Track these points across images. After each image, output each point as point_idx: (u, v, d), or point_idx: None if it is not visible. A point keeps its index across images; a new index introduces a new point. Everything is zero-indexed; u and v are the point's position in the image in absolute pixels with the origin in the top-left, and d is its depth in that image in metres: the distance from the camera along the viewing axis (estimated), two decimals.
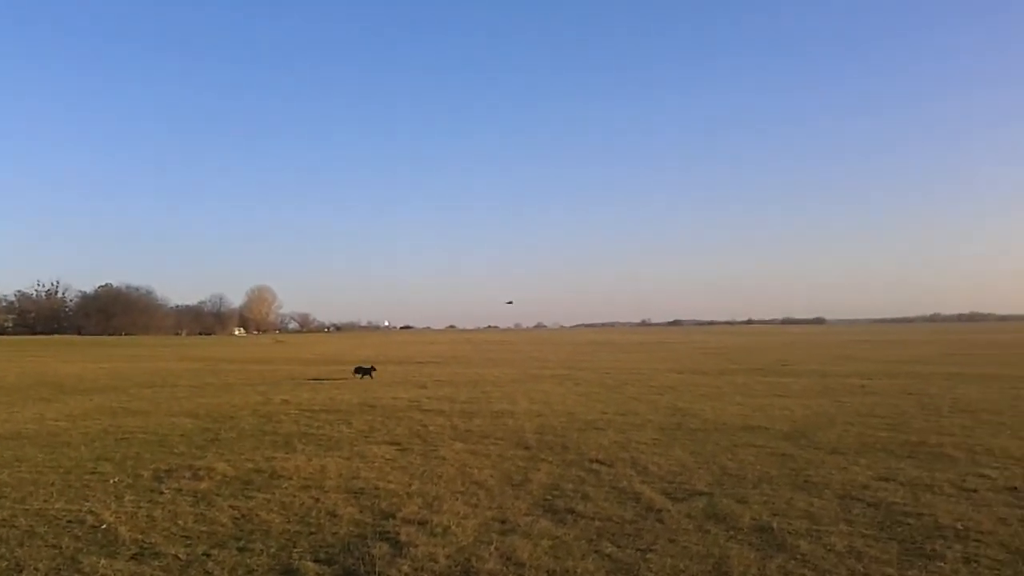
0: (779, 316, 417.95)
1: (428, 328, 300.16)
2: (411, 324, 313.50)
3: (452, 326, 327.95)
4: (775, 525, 8.76)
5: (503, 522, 9.07)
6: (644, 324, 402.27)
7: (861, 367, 39.07)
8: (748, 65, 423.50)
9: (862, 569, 7.26)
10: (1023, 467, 12.05)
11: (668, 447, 14.29)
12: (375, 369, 33.59)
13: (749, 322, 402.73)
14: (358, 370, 33.11)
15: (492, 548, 8.00)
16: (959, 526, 8.63)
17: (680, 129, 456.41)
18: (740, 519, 9.08)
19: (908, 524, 8.80)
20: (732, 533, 8.55)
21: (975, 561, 7.43)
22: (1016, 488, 10.51)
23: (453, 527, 8.81)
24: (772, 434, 15.80)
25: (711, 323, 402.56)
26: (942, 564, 7.36)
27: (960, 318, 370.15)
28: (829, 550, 7.86)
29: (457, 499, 10.24)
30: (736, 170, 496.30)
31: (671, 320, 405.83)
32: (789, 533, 8.47)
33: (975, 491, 10.39)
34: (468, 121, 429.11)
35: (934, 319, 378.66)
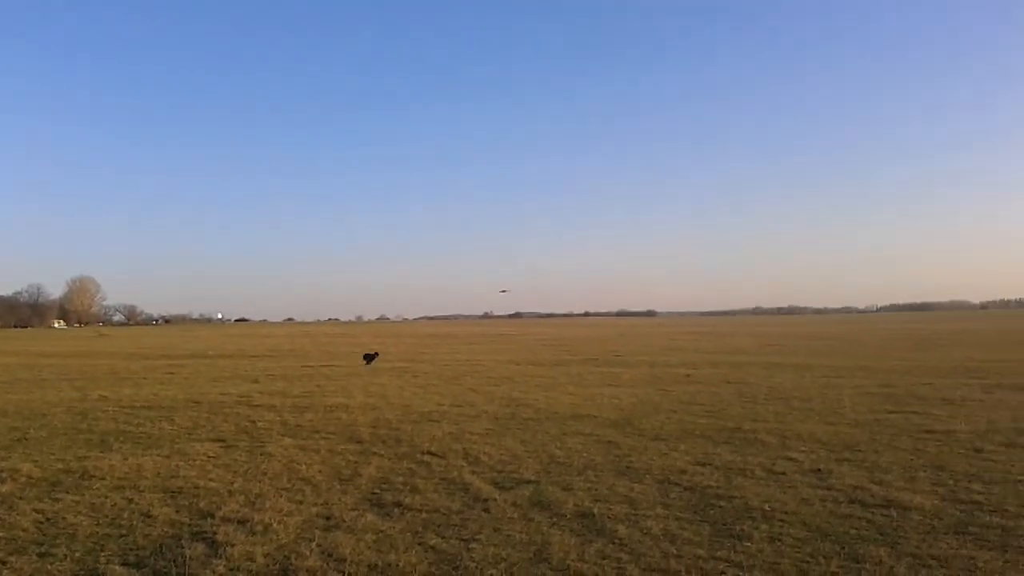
0: (614, 309, 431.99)
1: (265, 321, 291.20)
2: (247, 317, 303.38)
3: (291, 319, 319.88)
4: (596, 511, 8.99)
5: (328, 518, 8.88)
6: (487, 316, 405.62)
7: (687, 357, 40.83)
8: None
9: (675, 551, 7.54)
10: (828, 450, 12.87)
11: (500, 437, 14.42)
12: (378, 355, 37.72)
13: (586, 314, 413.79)
14: (367, 357, 37.18)
15: (314, 545, 7.81)
16: (767, 507, 9.11)
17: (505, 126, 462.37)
18: (564, 506, 9.26)
19: (720, 507, 9.22)
20: (555, 520, 8.71)
21: (779, 540, 7.86)
22: (820, 470, 11.21)
23: (275, 525, 8.54)
24: (600, 422, 16.24)
25: (550, 315, 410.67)
26: (749, 544, 7.74)
27: (780, 311, 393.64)
28: (645, 533, 8.13)
29: (281, 496, 9.95)
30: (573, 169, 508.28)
31: (512, 312, 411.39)
32: (609, 518, 8.70)
33: (783, 474, 11.02)
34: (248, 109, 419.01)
35: (756, 312, 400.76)
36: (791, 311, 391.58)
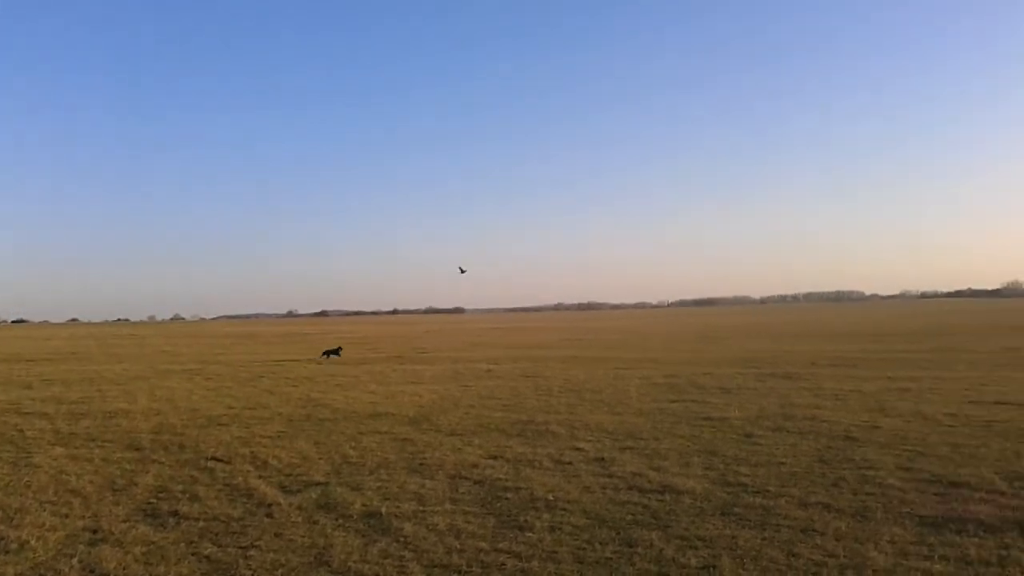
0: (423, 306, 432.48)
1: (46, 322, 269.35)
2: (25, 318, 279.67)
3: (75, 319, 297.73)
4: (384, 510, 8.89)
5: (95, 531, 8.28)
6: (290, 315, 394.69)
7: (490, 352, 41.46)
8: None
9: (458, 545, 7.58)
10: (613, 439, 13.39)
11: (293, 439, 14.02)
12: (341, 349, 38.84)
13: (395, 312, 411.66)
14: (326, 353, 37.90)
15: (75, 561, 7.25)
16: (550, 497, 9.35)
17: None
18: (351, 507, 9.10)
19: (507, 499, 9.37)
20: (341, 521, 8.54)
21: (559, 528, 8.07)
22: (604, 458, 11.64)
23: (32, 541, 7.87)
24: (398, 420, 16.14)
25: (358, 313, 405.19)
26: (531, 534, 7.90)
27: (580, 307, 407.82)
28: (431, 529, 8.13)
29: (44, 510, 9.19)
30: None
31: (318, 311, 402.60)
32: (396, 516, 8.63)
33: (570, 463, 11.35)
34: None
35: (559, 308, 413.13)
36: (590, 307, 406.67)
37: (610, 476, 10.47)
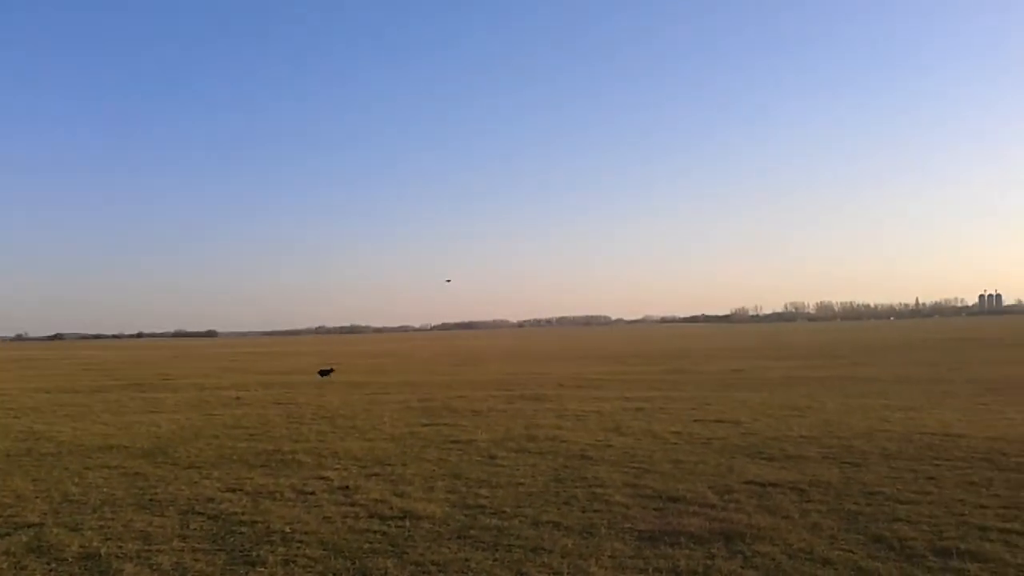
0: (171, 329, 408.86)
1: None
2: None
3: None
4: (103, 551, 8.31)
5: None
6: (20, 339, 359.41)
7: (241, 379, 39.87)
8: None
9: None
10: (360, 466, 13.29)
11: (7, 477, 12.79)
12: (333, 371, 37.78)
13: (140, 335, 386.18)
14: (321, 372, 37.24)
15: None
16: (288, 529, 9.13)
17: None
18: (67, 549, 8.43)
19: (242, 533, 9.04)
20: (54, 565, 7.90)
21: (293, 562, 7.90)
22: (348, 487, 11.53)
23: None
24: (131, 453, 15.14)
25: (98, 336, 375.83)
26: (263, 569, 7.68)
27: (341, 330, 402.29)
28: (154, 569, 7.69)
29: None
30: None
31: (52, 334, 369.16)
32: (117, 557, 8.09)
33: (312, 493, 11.14)
34: None
35: (320, 331, 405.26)
36: (352, 330, 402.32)
37: (352, 504, 10.38)
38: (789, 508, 9.85)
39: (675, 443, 15.22)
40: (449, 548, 8.29)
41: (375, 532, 8.98)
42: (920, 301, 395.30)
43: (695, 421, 18.52)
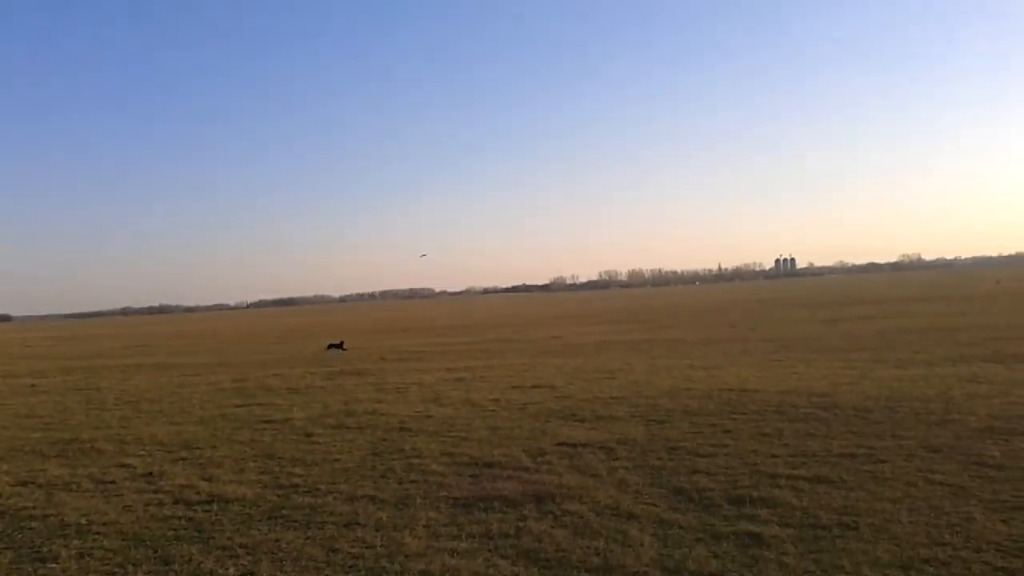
0: None
1: None
2: None
3: None
4: None
5: None
6: None
7: (38, 365, 37.18)
8: None
9: None
10: (166, 451, 12.68)
11: None
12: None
13: None
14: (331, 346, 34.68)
15: None
16: (84, 521, 8.58)
17: None
18: None
19: (32, 528, 8.44)
20: None
21: (89, 555, 7.44)
22: (152, 473, 10.96)
23: None
24: None
25: None
26: (55, 565, 7.19)
27: (151, 311, 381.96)
28: None
29: None
30: None
31: None
32: None
33: (113, 482, 10.52)
34: None
35: (126, 312, 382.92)
36: (162, 310, 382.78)
37: (156, 491, 9.88)
38: (598, 467, 10.23)
39: (493, 410, 15.46)
40: (259, 530, 8.06)
41: (180, 519, 8.59)
42: (722, 266, 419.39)
43: (513, 388, 18.87)
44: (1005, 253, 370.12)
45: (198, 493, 9.67)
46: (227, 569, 6.92)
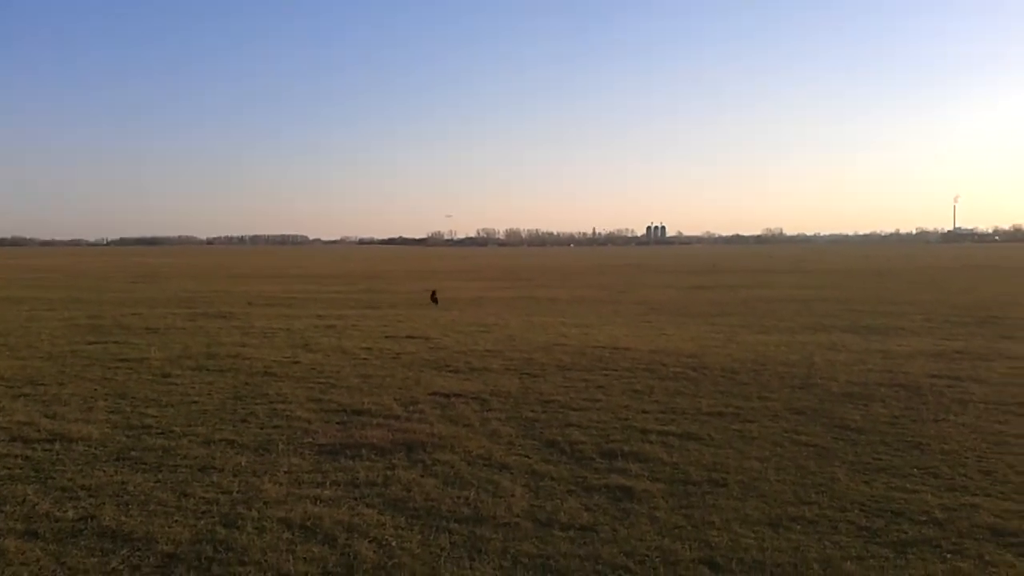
0: None
1: None
2: None
3: None
4: None
5: None
6: None
7: None
8: None
9: None
10: (6, 386, 11.83)
11: None
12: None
13: None
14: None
15: None
16: None
17: None
18: None
19: None
20: None
21: None
22: None
23: None
24: None
25: None
26: None
27: (3, 242, 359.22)
28: None
29: None
30: None
31: None
32: None
33: None
34: None
35: None
36: (15, 242, 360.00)
37: None
38: (471, 417, 10.04)
39: (365, 359, 15.04)
40: (105, 471, 7.50)
41: (16, 457, 7.93)
42: (596, 231, 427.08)
43: (386, 337, 18.44)
44: (861, 232, 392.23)
45: (39, 431, 8.96)
46: (65, 511, 6.37)
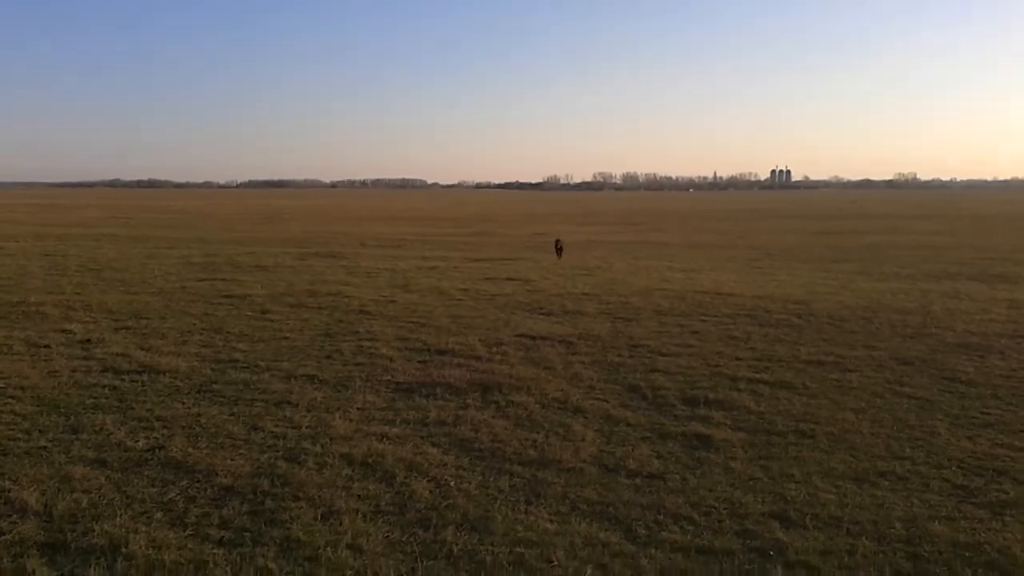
0: None
1: None
2: None
3: None
4: None
5: None
6: None
7: (11, 230, 36.52)
8: None
9: None
10: (113, 319, 12.21)
11: None
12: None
13: None
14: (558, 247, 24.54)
15: None
16: (1, 384, 8.13)
17: None
18: None
19: None
20: None
21: None
22: (90, 340, 10.50)
23: None
24: None
25: None
26: None
27: (140, 184, 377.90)
28: None
29: None
30: None
31: None
32: None
33: (47, 346, 10.05)
34: None
35: (114, 184, 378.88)
36: (151, 184, 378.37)
37: (88, 358, 9.43)
38: (554, 360, 9.80)
39: (460, 299, 14.98)
40: (183, 403, 7.63)
41: (104, 387, 8.15)
42: (717, 175, 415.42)
43: (486, 279, 18.36)
44: (1001, 178, 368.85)
45: (130, 362, 9.22)
46: (137, 441, 6.49)
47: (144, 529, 4.92)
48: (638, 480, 5.93)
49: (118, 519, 5.05)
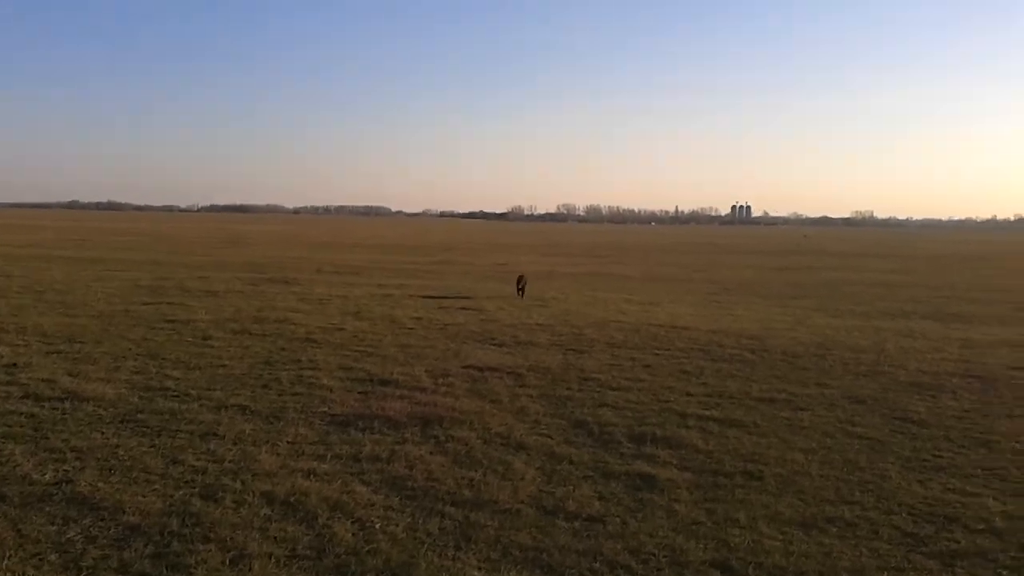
0: None
1: None
2: None
3: None
4: None
5: None
6: None
7: None
8: None
9: None
10: (45, 343, 11.75)
11: None
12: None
13: None
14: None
15: None
16: None
17: None
18: None
19: None
20: None
21: None
22: (16, 365, 10.02)
23: None
24: None
25: None
26: None
27: (99, 206, 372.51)
28: None
29: None
30: None
31: None
32: None
33: None
34: None
35: (72, 206, 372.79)
36: (110, 206, 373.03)
37: (11, 384, 8.98)
38: (501, 392, 9.51)
39: (411, 328, 14.65)
40: (103, 433, 7.22)
41: (21, 415, 7.72)
42: (679, 209, 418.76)
43: (440, 308, 18.05)
44: (956, 217, 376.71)
45: (54, 389, 8.77)
46: (44, 474, 6.09)
47: (33, 573, 4.53)
48: (576, 523, 5.64)
49: (7, 561, 4.66)
